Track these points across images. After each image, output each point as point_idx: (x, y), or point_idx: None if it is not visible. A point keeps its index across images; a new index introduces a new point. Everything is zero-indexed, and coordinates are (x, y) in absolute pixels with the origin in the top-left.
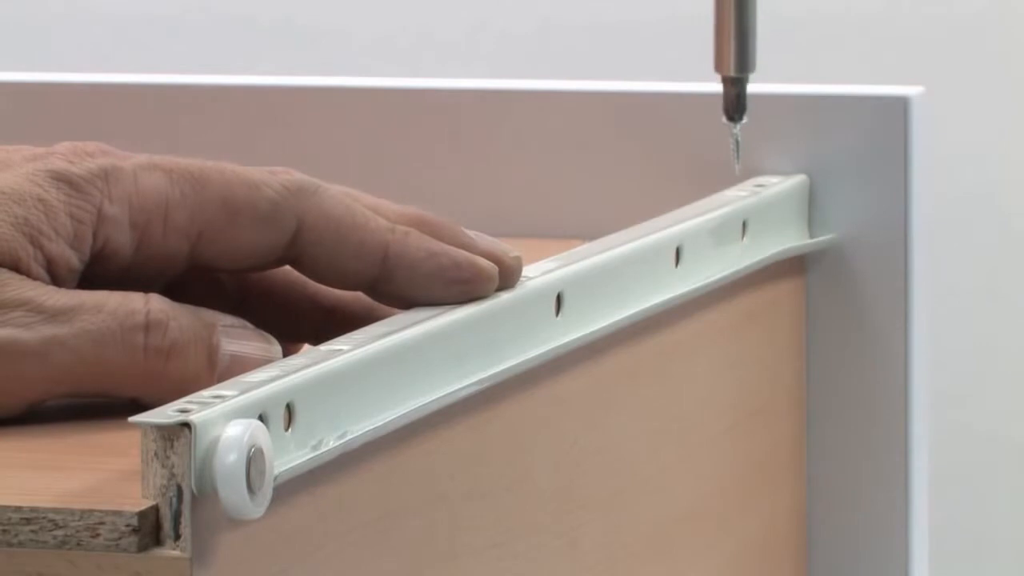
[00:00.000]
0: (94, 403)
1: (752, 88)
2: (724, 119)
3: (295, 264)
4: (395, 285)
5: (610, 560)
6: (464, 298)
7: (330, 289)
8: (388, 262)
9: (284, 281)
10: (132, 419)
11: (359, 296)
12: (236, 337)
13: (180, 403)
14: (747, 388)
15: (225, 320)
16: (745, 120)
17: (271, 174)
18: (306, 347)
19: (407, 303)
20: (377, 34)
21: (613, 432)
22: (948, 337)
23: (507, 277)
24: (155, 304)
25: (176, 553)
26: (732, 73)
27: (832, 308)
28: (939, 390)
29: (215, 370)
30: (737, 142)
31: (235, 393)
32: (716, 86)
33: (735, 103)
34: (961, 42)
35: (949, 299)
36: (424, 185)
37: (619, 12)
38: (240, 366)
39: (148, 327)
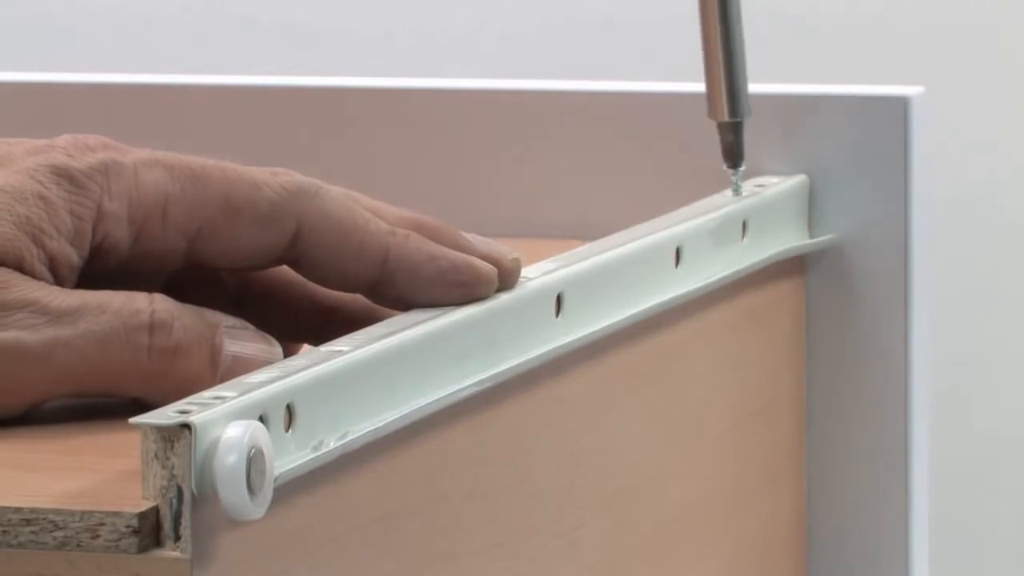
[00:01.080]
0: (95, 403)
1: (752, 88)
2: (724, 166)
3: (294, 265)
4: (395, 288)
5: (610, 560)
6: (464, 300)
7: (330, 290)
8: (388, 265)
9: (284, 281)
10: (132, 420)
11: (359, 297)
12: (238, 338)
13: (180, 404)
14: (747, 388)
15: (227, 321)
16: (743, 167)
17: (272, 175)
18: (306, 347)
19: (406, 305)
20: (377, 34)
21: (613, 432)
22: (948, 337)
23: (506, 279)
24: (159, 304)
25: (176, 554)
26: (726, 119)
27: (832, 308)
28: (939, 390)
29: (218, 371)
30: (737, 185)
31: (235, 394)
32: None
33: (731, 149)
34: (961, 42)
35: (949, 299)
36: (424, 185)
37: (619, 12)
38: (242, 367)
39: (152, 327)
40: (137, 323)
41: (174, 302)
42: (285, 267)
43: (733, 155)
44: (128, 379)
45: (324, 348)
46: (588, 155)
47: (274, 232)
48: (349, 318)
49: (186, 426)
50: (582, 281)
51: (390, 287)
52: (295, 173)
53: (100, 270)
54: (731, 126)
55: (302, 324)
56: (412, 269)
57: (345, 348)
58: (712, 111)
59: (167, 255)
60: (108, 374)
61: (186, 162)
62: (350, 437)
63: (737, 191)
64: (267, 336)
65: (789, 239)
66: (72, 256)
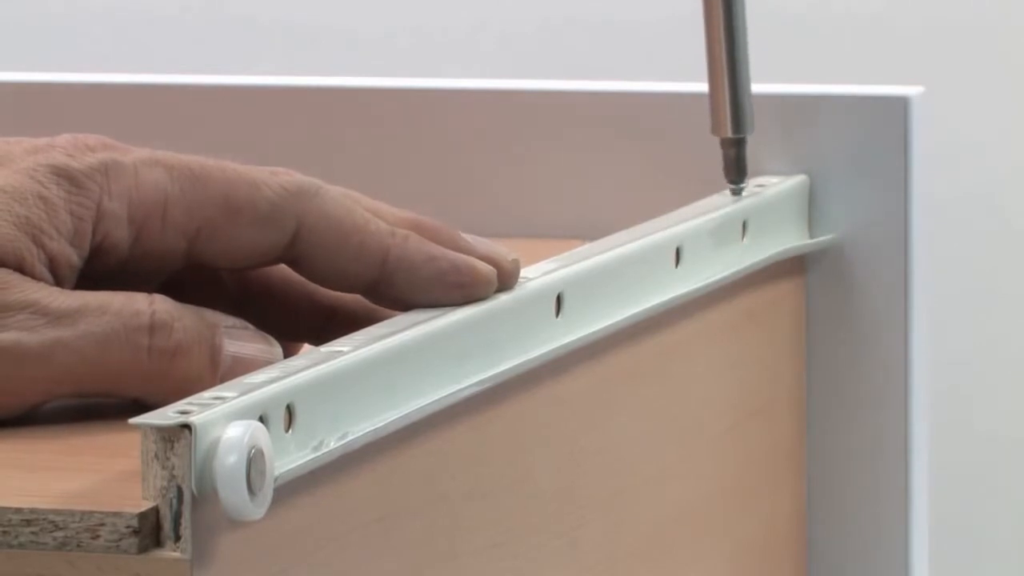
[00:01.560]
0: (95, 403)
1: (752, 88)
2: (727, 183)
3: (294, 265)
4: (395, 288)
5: (610, 560)
6: (463, 301)
7: (330, 290)
8: (388, 265)
9: (284, 281)
10: (132, 420)
11: (359, 297)
12: (238, 338)
13: (180, 404)
14: (747, 388)
15: (227, 321)
16: (745, 184)
17: (272, 174)
18: (306, 347)
19: (406, 306)
20: (377, 34)
21: (613, 432)
22: (948, 337)
23: (505, 280)
24: (159, 305)
25: (176, 554)
26: (729, 135)
27: (832, 308)
28: (939, 390)
29: (218, 371)
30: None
31: (235, 394)
32: None
33: (734, 165)
34: (961, 42)
35: (949, 299)
36: (424, 185)
37: (619, 12)
38: (242, 367)
39: (153, 328)
40: (137, 324)
41: (174, 302)
42: (285, 267)
43: (736, 171)
44: (128, 380)
45: (324, 348)
46: (588, 155)
47: (274, 232)
48: (349, 318)
49: (186, 426)
50: (582, 281)
51: (390, 287)
52: (295, 173)
53: (100, 270)
54: (734, 142)
55: (302, 324)
56: (412, 270)
57: (345, 348)
58: (716, 127)
59: (167, 255)
60: (108, 375)
61: (186, 162)
62: (350, 437)
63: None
64: (267, 336)
65: (789, 239)
66: (72, 256)
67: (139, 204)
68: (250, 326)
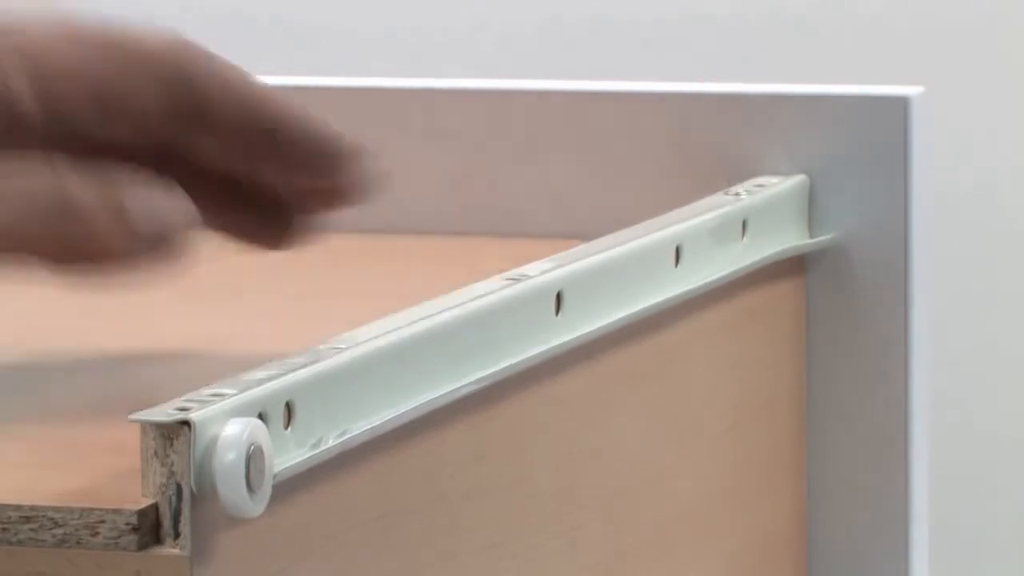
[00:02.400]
0: (95, 402)
1: (754, 88)
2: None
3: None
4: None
5: (610, 560)
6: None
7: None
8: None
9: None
10: (131, 417)
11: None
12: (143, 199)
13: (179, 401)
14: (747, 388)
15: (130, 185)
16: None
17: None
18: (306, 346)
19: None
20: (377, 34)
21: (613, 432)
22: (948, 337)
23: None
24: (63, 175)
25: (175, 552)
26: None
27: (832, 308)
28: (939, 390)
29: (129, 231)
30: None
31: (234, 391)
32: (717, 86)
33: None
34: (961, 42)
35: (949, 299)
36: (424, 185)
37: (620, 12)
38: (153, 226)
39: (59, 198)
40: (47, 198)
41: (75, 172)
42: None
43: None
44: (40, 246)
45: (323, 346)
46: (588, 155)
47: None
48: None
49: (185, 423)
50: (582, 280)
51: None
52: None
53: (16, 146)
54: None
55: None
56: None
57: (344, 346)
58: None
59: (77, 127)
60: (19, 241)
61: (78, 30)
62: (349, 435)
63: None
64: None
65: (789, 239)
66: None
67: (41, 77)
68: (154, 192)
